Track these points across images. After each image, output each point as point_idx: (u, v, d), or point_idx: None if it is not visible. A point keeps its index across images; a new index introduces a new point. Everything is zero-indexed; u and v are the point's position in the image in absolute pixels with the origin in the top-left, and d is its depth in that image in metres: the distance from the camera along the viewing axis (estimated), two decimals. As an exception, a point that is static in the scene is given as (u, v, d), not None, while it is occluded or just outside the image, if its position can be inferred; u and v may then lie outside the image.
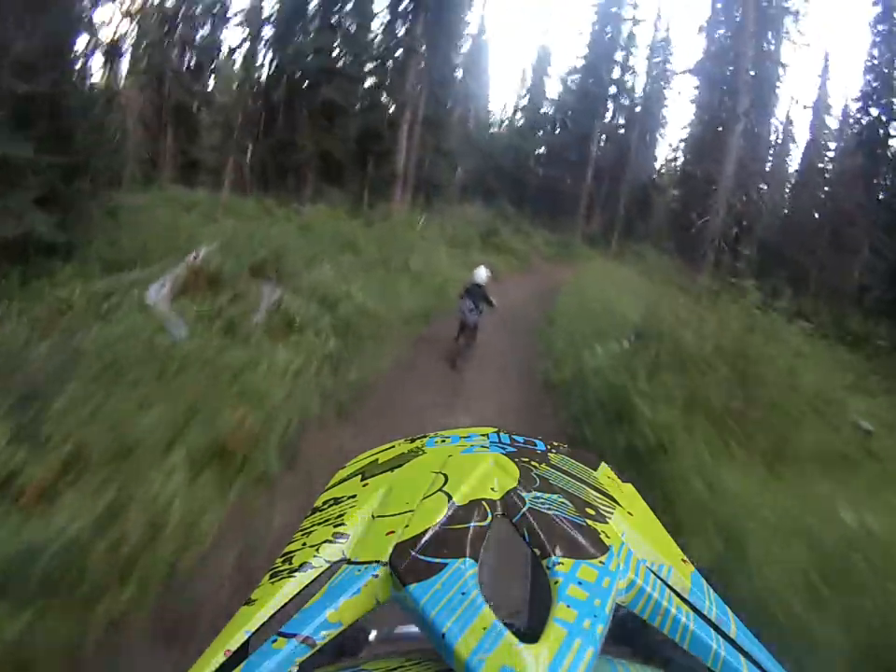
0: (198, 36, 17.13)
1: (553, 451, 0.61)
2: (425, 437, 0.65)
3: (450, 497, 0.45)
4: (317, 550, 0.46)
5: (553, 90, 32.18)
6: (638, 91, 28.44)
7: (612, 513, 0.50)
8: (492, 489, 0.47)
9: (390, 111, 17.69)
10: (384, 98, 18.03)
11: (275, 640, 0.38)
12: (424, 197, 19.04)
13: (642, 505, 0.59)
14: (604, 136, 27.55)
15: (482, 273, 7.09)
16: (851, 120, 21.50)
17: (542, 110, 32.07)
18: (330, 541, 0.47)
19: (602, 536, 0.43)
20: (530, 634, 0.33)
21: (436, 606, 0.35)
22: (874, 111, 19.06)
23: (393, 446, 0.66)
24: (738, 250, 19.12)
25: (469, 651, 0.31)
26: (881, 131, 18.85)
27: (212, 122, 18.09)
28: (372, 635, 0.66)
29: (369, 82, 18.49)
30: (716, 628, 0.41)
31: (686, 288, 14.42)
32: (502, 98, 55.83)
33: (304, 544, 0.49)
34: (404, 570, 0.38)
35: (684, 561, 0.49)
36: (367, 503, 0.51)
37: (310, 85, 16.68)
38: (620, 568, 0.40)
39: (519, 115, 34.66)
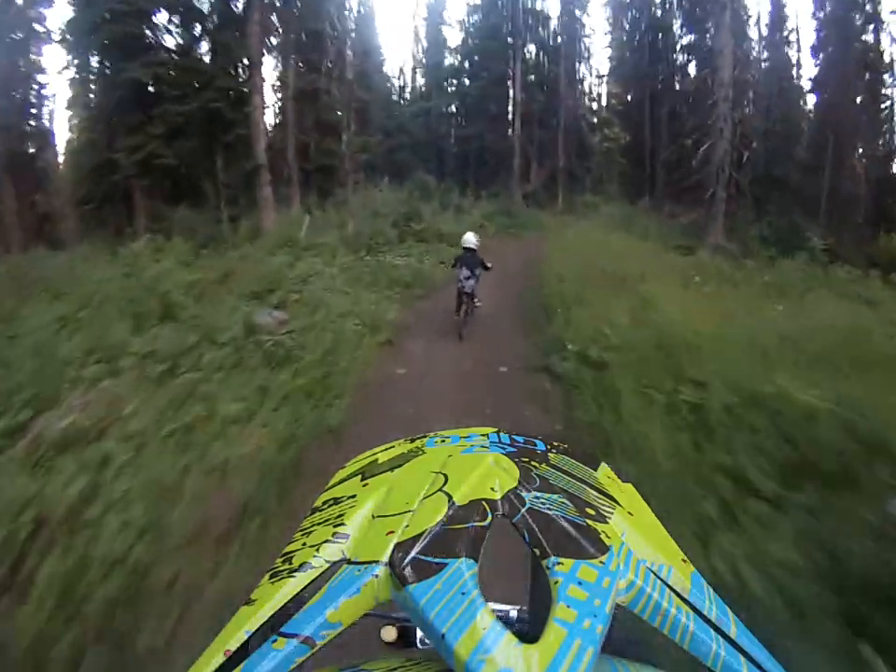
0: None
1: (553, 451, 0.65)
2: (425, 437, 0.67)
3: (450, 497, 0.48)
4: (317, 550, 0.48)
5: (454, 38, 31.06)
6: (554, 18, 27.83)
7: (612, 513, 0.53)
8: (492, 489, 0.49)
9: (240, 84, 15.10)
10: (223, 68, 15.29)
11: (275, 640, 0.40)
12: (317, 191, 16.89)
13: (642, 505, 0.63)
14: (526, 78, 26.21)
15: (471, 238, 7.59)
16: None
17: (447, 62, 30.68)
18: (330, 541, 0.49)
19: (602, 536, 0.46)
20: (530, 634, 0.37)
21: (436, 606, 0.37)
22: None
23: (393, 446, 0.68)
24: (740, 182, 17.84)
25: (469, 651, 0.34)
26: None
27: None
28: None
29: (203, 50, 15.69)
30: (716, 628, 0.45)
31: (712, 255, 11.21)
32: (398, 61, 51.79)
33: (304, 544, 0.51)
34: (404, 570, 0.41)
35: (684, 561, 0.53)
36: (367, 503, 0.53)
37: (113, 68, 11.62)
38: (620, 568, 0.44)
39: (420, 75, 33.70)
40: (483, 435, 0.65)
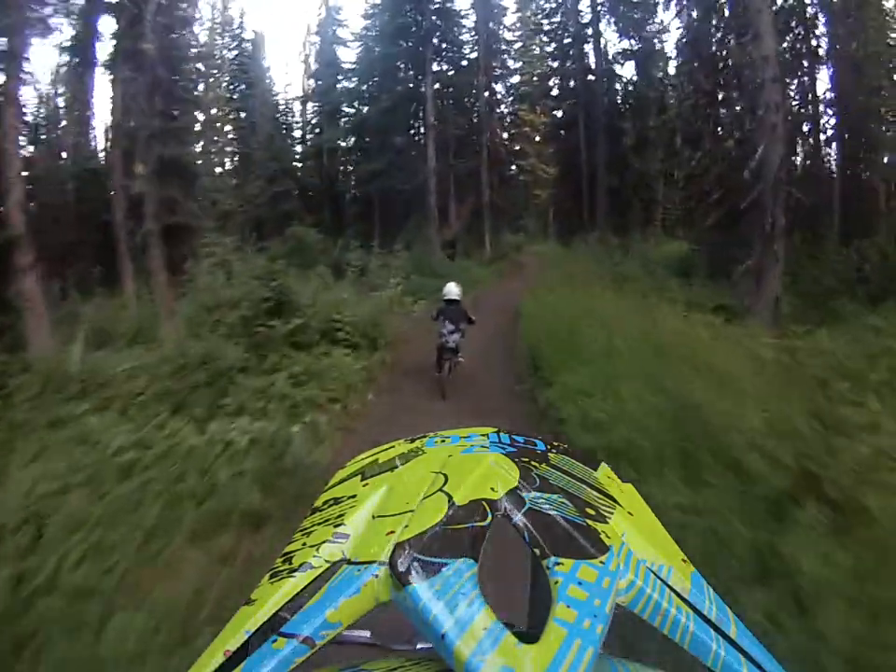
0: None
1: (553, 451, 0.67)
2: (424, 437, 0.69)
3: (450, 497, 0.49)
4: (317, 550, 0.50)
5: (350, 56, 27.20)
6: (469, 21, 23.80)
7: (612, 513, 0.55)
8: (492, 489, 0.51)
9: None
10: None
11: (275, 640, 0.41)
12: (167, 263, 13.41)
13: (642, 505, 0.65)
14: (438, 99, 22.85)
15: (453, 289, 7.23)
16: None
17: (341, 85, 26.85)
18: (330, 541, 0.51)
19: (602, 536, 0.47)
20: (530, 634, 0.38)
21: (436, 606, 0.38)
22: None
23: (393, 446, 0.70)
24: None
25: (469, 651, 0.35)
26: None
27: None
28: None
29: None
30: (716, 628, 0.46)
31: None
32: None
33: (304, 544, 0.52)
34: (404, 570, 0.42)
35: (684, 561, 0.55)
36: (367, 503, 0.55)
37: None
38: (620, 568, 0.45)
39: (310, 108, 29.96)
40: (483, 435, 0.67)
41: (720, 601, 0.49)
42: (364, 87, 24.16)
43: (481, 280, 16.34)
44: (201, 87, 22.99)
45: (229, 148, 28.79)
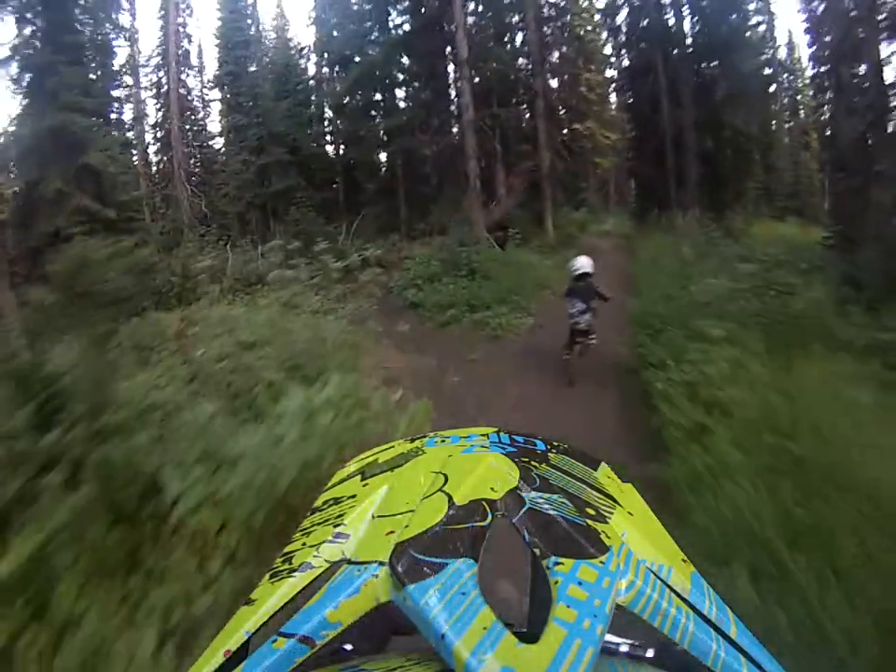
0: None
1: (553, 451, 0.68)
2: (424, 437, 0.71)
3: (450, 497, 0.50)
4: (317, 550, 0.51)
5: None
6: None
7: (612, 513, 0.56)
8: (492, 489, 0.52)
9: None
10: None
11: (275, 640, 0.42)
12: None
13: (642, 505, 0.66)
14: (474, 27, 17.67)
15: (584, 262, 6.74)
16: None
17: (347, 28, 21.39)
18: (330, 541, 0.52)
19: (602, 536, 0.48)
20: (530, 634, 0.38)
21: (436, 606, 0.39)
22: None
23: (393, 446, 0.72)
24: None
25: (469, 651, 0.36)
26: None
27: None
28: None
29: None
30: (716, 628, 0.47)
31: None
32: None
33: (304, 544, 0.54)
34: (404, 570, 0.42)
35: (684, 561, 0.55)
36: (367, 503, 0.56)
37: None
38: (620, 569, 0.45)
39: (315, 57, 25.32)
40: (483, 435, 0.69)
41: (720, 601, 0.50)
42: (376, 27, 18.95)
43: (549, 282, 11.36)
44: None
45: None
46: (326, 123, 22.93)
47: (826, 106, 15.83)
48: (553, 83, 20.95)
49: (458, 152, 15.73)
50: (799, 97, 28.66)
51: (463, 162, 15.21)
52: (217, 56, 24.78)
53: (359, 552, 0.49)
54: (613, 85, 24.30)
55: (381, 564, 0.45)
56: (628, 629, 0.53)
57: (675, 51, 19.15)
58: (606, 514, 0.54)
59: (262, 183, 20.80)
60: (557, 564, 0.42)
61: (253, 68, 23.90)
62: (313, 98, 23.52)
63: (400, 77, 19.27)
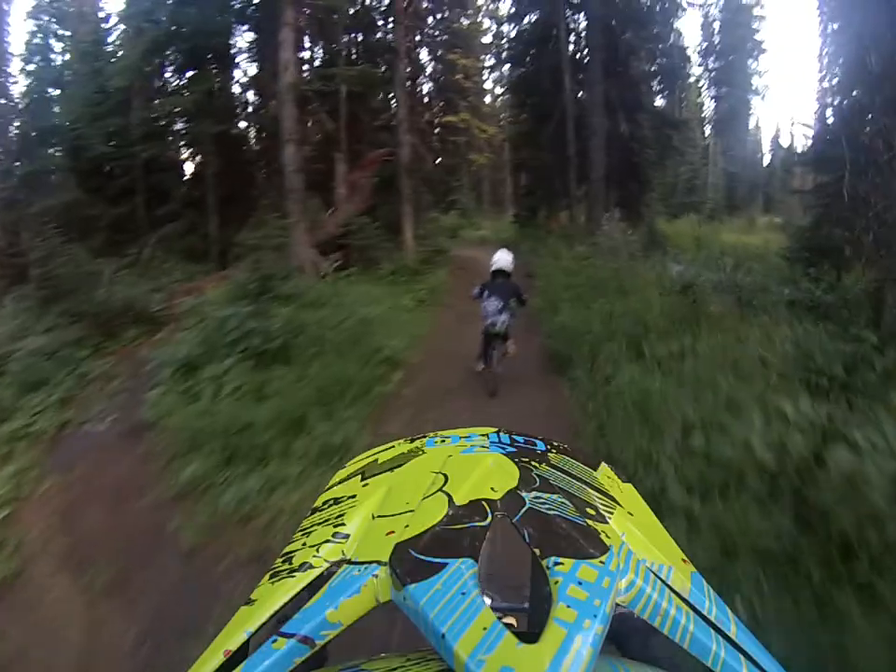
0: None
1: (554, 451, 0.69)
2: (424, 437, 0.72)
3: (450, 497, 0.52)
4: (317, 550, 0.52)
5: None
6: None
7: (612, 513, 0.57)
8: (492, 489, 0.53)
9: None
10: None
11: (275, 640, 0.43)
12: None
13: (642, 505, 0.67)
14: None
15: (502, 256, 6.27)
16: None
17: None
18: (330, 541, 0.53)
19: (602, 536, 0.49)
20: (530, 634, 0.39)
21: (436, 606, 0.40)
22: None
23: (393, 446, 0.73)
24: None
25: (469, 651, 0.37)
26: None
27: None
28: None
29: None
30: (716, 629, 0.48)
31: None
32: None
33: (304, 544, 0.55)
34: (404, 570, 0.44)
35: (684, 561, 0.57)
36: (367, 503, 0.58)
37: None
38: (620, 568, 0.46)
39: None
40: (483, 435, 0.71)
41: (720, 601, 0.52)
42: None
43: (404, 355, 7.29)
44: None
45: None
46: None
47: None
48: (425, 55, 18.06)
49: (269, 151, 12.51)
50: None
51: (278, 163, 11.46)
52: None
53: (359, 552, 0.50)
54: (499, 57, 21.65)
55: (381, 564, 0.46)
56: (628, 629, 0.55)
57: (582, 15, 16.63)
58: (606, 514, 0.55)
59: (29, 197, 15.09)
60: (557, 564, 0.43)
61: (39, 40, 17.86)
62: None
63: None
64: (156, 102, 14.41)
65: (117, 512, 4.32)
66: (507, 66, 21.27)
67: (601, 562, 0.44)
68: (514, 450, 0.65)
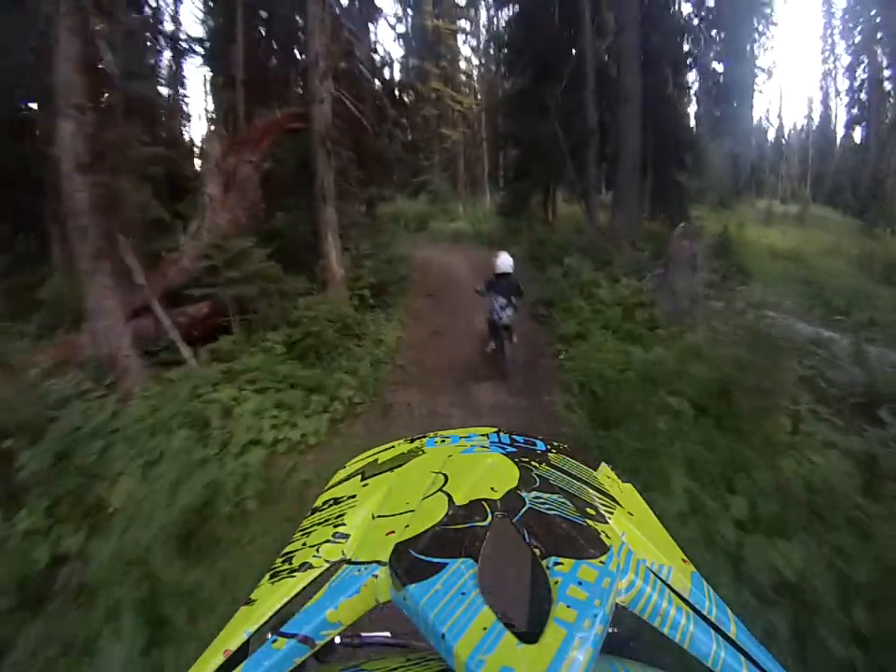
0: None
1: (554, 451, 0.70)
2: (424, 437, 0.73)
3: (450, 497, 0.52)
4: (317, 550, 0.52)
5: None
6: None
7: (612, 513, 0.57)
8: (492, 489, 0.53)
9: None
10: None
11: (275, 640, 0.43)
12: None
13: (642, 505, 0.67)
14: None
15: (506, 260, 6.56)
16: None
17: None
18: (330, 541, 0.53)
19: (602, 536, 0.49)
20: (530, 634, 0.39)
21: (436, 606, 0.40)
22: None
23: (393, 446, 0.73)
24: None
25: (468, 651, 0.37)
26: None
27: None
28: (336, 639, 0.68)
29: None
30: (716, 629, 0.48)
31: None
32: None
33: (304, 544, 0.55)
34: (404, 570, 0.44)
35: (684, 561, 0.57)
36: (367, 503, 0.58)
37: None
38: (620, 569, 0.46)
39: None
40: (483, 435, 0.71)
41: (720, 601, 0.52)
42: None
43: None
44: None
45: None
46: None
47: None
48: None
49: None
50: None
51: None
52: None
53: (359, 552, 0.50)
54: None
55: (381, 564, 0.46)
56: (628, 629, 0.55)
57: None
58: (606, 514, 0.55)
59: None
60: (557, 564, 0.43)
61: None
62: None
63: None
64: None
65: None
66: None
67: (601, 562, 0.44)
68: (514, 450, 0.65)
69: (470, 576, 0.42)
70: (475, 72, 25.00)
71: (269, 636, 0.44)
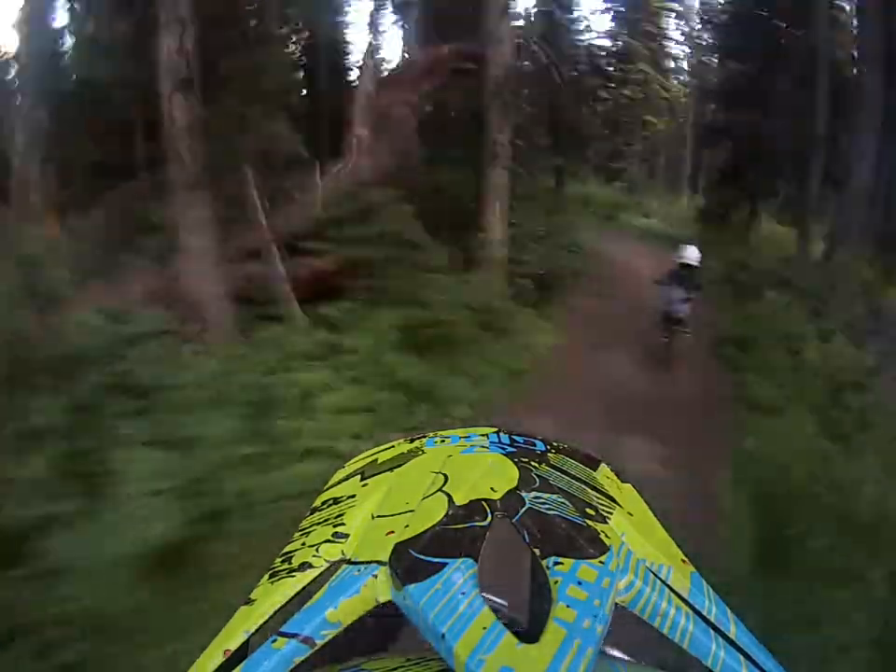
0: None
1: (553, 451, 0.69)
2: (424, 436, 0.72)
3: (450, 497, 0.52)
4: (317, 550, 0.53)
5: None
6: None
7: (612, 513, 0.57)
8: (492, 489, 0.54)
9: None
10: None
11: (275, 640, 0.44)
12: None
13: (642, 505, 0.67)
14: None
15: (693, 253, 6.35)
16: None
17: None
18: (330, 541, 0.53)
19: (602, 536, 0.50)
20: (530, 634, 0.40)
21: (436, 606, 0.41)
22: None
23: (392, 446, 0.73)
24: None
25: (468, 651, 0.37)
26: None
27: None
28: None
29: None
30: (716, 629, 0.49)
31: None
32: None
33: (304, 544, 0.55)
34: (404, 570, 0.44)
35: (684, 561, 0.57)
36: (367, 503, 0.58)
37: None
38: (619, 568, 0.47)
39: None
40: (483, 435, 0.70)
41: (719, 601, 0.52)
42: None
43: None
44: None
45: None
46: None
47: None
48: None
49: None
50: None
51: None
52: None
53: (359, 552, 0.50)
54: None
55: (381, 564, 0.46)
56: (628, 629, 0.56)
57: None
58: (606, 514, 0.55)
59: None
60: (557, 564, 0.44)
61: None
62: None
63: None
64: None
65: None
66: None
67: (601, 562, 0.45)
68: (514, 450, 0.65)
69: (470, 576, 0.42)
70: (685, 62, 23.16)
71: (269, 635, 0.44)
